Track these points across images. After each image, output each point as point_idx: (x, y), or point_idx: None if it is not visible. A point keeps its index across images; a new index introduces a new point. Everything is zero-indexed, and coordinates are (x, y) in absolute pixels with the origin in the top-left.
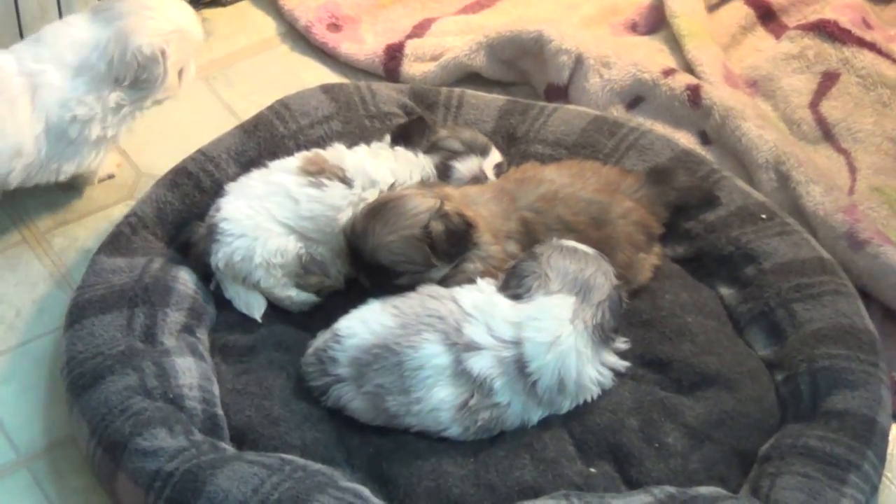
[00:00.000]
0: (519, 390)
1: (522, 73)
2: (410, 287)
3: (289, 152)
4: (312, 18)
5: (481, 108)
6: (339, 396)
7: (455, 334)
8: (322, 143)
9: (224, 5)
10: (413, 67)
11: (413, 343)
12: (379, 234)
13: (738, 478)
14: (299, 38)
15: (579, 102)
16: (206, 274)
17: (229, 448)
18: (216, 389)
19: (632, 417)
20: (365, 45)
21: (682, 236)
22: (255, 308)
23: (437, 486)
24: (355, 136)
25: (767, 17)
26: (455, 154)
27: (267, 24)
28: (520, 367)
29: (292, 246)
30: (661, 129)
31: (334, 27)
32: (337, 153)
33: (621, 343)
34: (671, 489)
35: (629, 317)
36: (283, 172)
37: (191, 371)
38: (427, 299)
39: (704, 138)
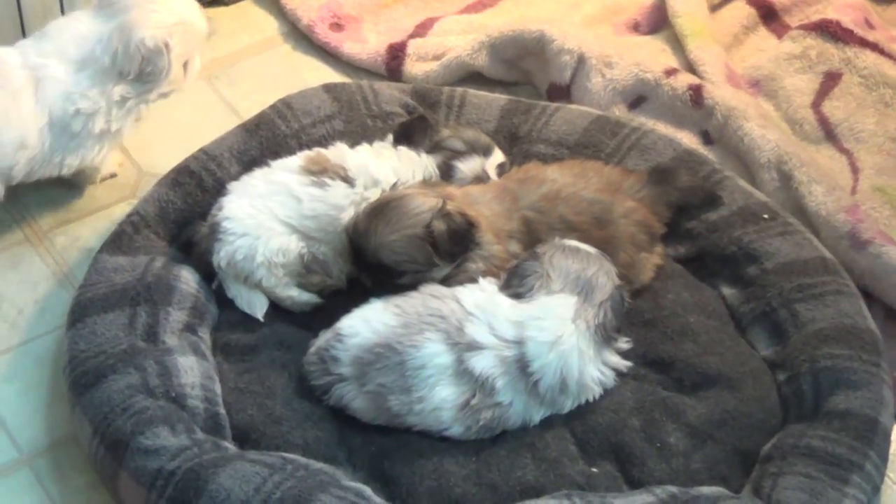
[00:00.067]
0: (521, 390)
1: (525, 73)
2: (412, 286)
3: (291, 151)
4: (315, 18)
5: (483, 108)
6: (341, 395)
7: (457, 334)
8: (324, 142)
9: (226, 4)
10: (415, 67)
11: (415, 342)
12: (381, 233)
13: (739, 478)
14: (301, 37)
15: (581, 102)
16: (208, 273)
17: (231, 447)
18: (218, 388)
19: (634, 417)
20: (367, 44)
21: (685, 236)
22: (257, 307)
23: (439, 486)
24: (357, 135)
25: (770, 17)
26: (458, 154)
27: (269, 24)
28: (522, 367)
29: (294, 245)
30: (663, 128)
31: (336, 26)
32: (339, 152)
33: (623, 343)
34: (673, 489)
35: (631, 316)
36: (285, 172)
37: (193, 370)
38: (429, 299)
39: (706, 138)
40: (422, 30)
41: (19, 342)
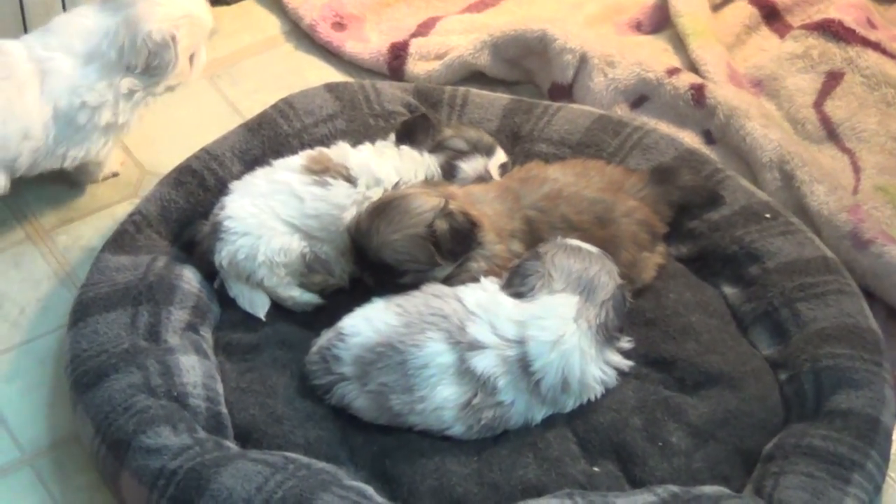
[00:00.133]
0: (522, 389)
1: (527, 72)
2: (414, 286)
3: (293, 151)
4: (317, 17)
5: (485, 107)
6: (343, 395)
7: (459, 333)
8: (326, 141)
9: (228, 4)
10: (417, 66)
11: (417, 342)
12: (383, 232)
13: (741, 477)
14: (304, 36)
15: (583, 101)
16: (210, 272)
17: (233, 446)
18: (220, 387)
19: (635, 416)
20: (369, 43)
21: (686, 235)
22: (259, 307)
23: (441, 485)
24: (359, 134)
25: (772, 17)
26: (460, 154)
27: (271, 23)
28: (523, 366)
29: (296, 245)
30: (665, 128)
31: (339, 26)
32: (341, 152)
33: (625, 342)
34: (675, 488)
35: (633, 316)
36: (287, 171)
37: (195, 369)
38: (431, 298)
39: (708, 137)
40: (424, 29)
41: (21, 341)
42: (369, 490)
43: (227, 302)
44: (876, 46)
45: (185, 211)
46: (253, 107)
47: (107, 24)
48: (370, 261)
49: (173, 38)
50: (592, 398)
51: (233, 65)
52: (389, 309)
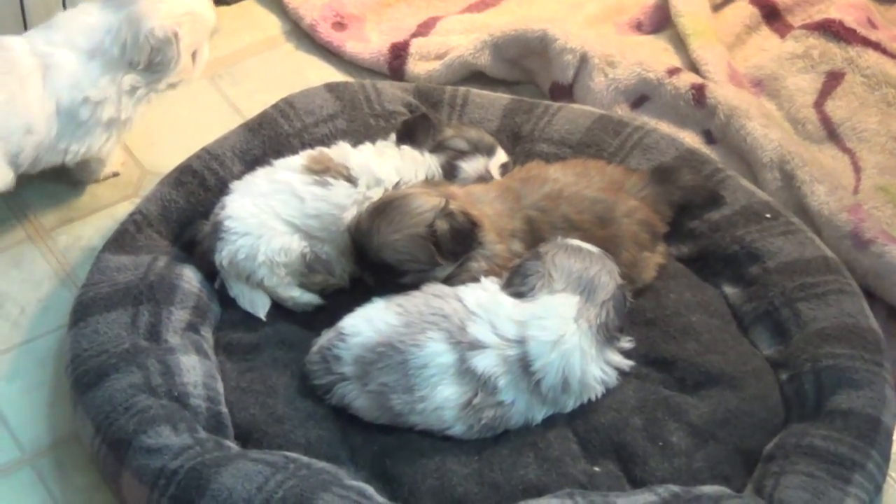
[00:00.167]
0: (523, 389)
1: (527, 72)
2: (415, 286)
3: (293, 151)
4: (317, 17)
5: (486, 107)
6: (344, 395)
7: (459, 333)
8: (327, 141)
9: (228, 4)
10: (418, 66)
11: (417, 341)
12: (384, 232)
13: (742, 477)
14: (304, 36)
15: (584, 101)
16: (210, 272)
17: (233, 446)
18: (220, 387)
19: (636, 416)
20: (370, 43)
21: (687, 235)
22: (260, 307)
23: (441, 485)
24: (360, 134)
25: (772, 17)
26: (461, 154)
27: (272, 23)
28: (524, 366)
29: (296, 245)
30: (665, 128)
31: (339, 26)
32: (342, 152)
33: (625, 342)
34: (675, 488)
35: (633, 316)
36: (288, 171)
37: (195, 369)
38: (431, 298)
39: (709, 137)
40: (424, 29)
41: (21, 341)
42: (370, 490)
43: (227, 302)
44: (876, 46)
45: (186, 211)
46: (253, 106)
47: (109, 20)
48: (371, 261)
49: (175, 35)
50: (593, 398)
51: (233, 64)
52: (390, 309)
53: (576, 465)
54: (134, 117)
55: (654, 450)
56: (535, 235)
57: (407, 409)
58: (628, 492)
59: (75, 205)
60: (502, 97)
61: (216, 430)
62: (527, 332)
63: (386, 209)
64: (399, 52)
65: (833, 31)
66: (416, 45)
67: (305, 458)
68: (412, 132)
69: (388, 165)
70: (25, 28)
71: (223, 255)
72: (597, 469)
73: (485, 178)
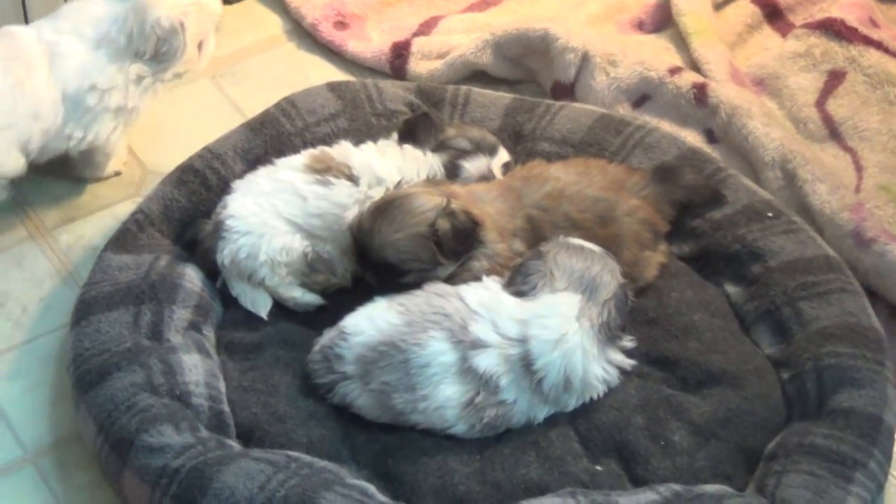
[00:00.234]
0: (525, 388)
1: (529, 71)
2: (417, 285)
3: (295, 150)
4: (319, 16)
5: (488, 106)
6: (346, 394)
7: (461, 332)
8: (328, 140)
9: (230, 3)
10: (419, 65)
11: (419, 340)
12: (386, 232)
13: (743, 476)
14: (306, 35)
15: (586, 100)
16: (212, 271)
17: (235, 445)
18: (222, 386)
19: (638, 415)
20: (371, 42)
21: (689, 234)
22: (261, 306)
23: (443, 484)
24: (362, 133)
25: (774, 16)
26: (463, 153)
27: (273, 22)
28: (526, 365)
29: (298, 244)
30: (667, 127)
31: (341, 25)
32: (343, 151)
33: (627, 341)
34: (677, 487)
35: (635, 315)
36: (289, 170)
37: (197, 368)
38: (433, 297)
39: (711, 136)
40: (426, 28)
41: (23, 340)
42: (371, 489)
43: (229, 301)
44: (878, 45)
45: (188, 210)
46: (255, 106)
47: (116, 10)
48: (372, 260)
49: (182, 25)
50: (595, 397)
51: (235, 64)
52: (392, 308)
53: (577, 464)
54: (140, 107)
55: (656, 449)
56: (536, 234)
57: (409, 408)
58: (630, 491)
59: (77, 204)
60: (504, 96)
61: (218, 429)
62: (528, 331)
63: (387, 208)
64: (401, 52)
65: (835, 30)
66: (418, 45)
67: (307, 457)
68: (414, 131)
69: (390, 164)
70: (26, 21)
71: (225, 255)
72: (598, 468)
73: (487, 177)
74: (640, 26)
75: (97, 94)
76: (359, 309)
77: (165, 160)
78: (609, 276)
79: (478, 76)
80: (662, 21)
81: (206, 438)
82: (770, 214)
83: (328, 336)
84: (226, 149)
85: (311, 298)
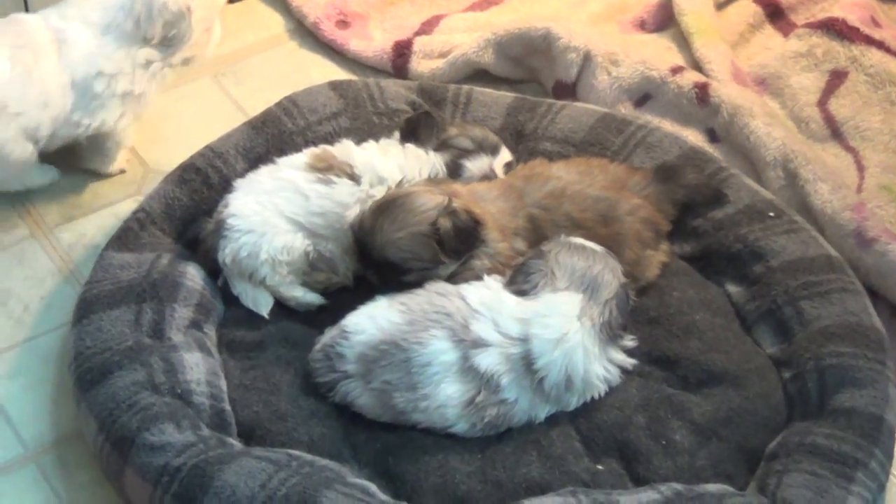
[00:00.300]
0: (526, 387)
1: (531, 71)
2: (418, 284)
3: (297, 149)
4: (321, 15)
5: (489, 105)
6: (347, 392)
7: (462, 331)
8: (330, 139)
9: (232, 1)
10: (421, 64)
11: (420, 339)
12: (387, 230)
13: (745, 475)
14: (307, 34)
15: (587, 100)
16: (214, 270)
17: (237, 443)
18: (224, 385)
19: (639, 414)
20: (373, 41)
21: (690, 234)
22: (262, 305)
23: (444, 483)
24: (363, 132)
25: (776, 15)
26: (466, 153)
27: (275, 21)
28: (527, 364)
29: (299, 243)
30: (669, 126)
31: (343, 24)
32: (345, 150)
33: (628, 340)
34: (678, 486)
35: (636, 314)
36: (291, 168)
37: (198, 366)
38: (434, 296)
39: (712, 136)
40: (428, 27)
41: (25, 338)
42: (372, 487)
43: (230, 299)
44: (880, 45)
45: (189, 208)
46: (257, 105)
47: None
48: (374, 259)
49: (188, 9)
50: (596, 396)
51: (237, 63)
52: (393, 307)
53: (579, 463)
54: (148, 93)
55: (658, 448)
56: (538, 233)
57: (410, 406)
58: (631, 490)
59: (79, 202)
60: (506, 95)
61: (219, 427)
62: (530, 330)
63: (389, 207)
64: (402, 51)
65: (836, 29)
66: (420, 44)
67: (308, 456)
68: (416, 130)
69: (392, 163)
70: (27, 10)
71: (226, 253)
72: (600, 467)
73: (489, 177)
74: (642, 26)
75: (104, 79)
76: (360, 308)
77: (167, 159)
78: (610, 276)
79: (479, 75)
80: (664, 20)
81: (208, 437)
82: (772, 214)
83: (329, 335)
84: (227, 147)
85: (312, 298)
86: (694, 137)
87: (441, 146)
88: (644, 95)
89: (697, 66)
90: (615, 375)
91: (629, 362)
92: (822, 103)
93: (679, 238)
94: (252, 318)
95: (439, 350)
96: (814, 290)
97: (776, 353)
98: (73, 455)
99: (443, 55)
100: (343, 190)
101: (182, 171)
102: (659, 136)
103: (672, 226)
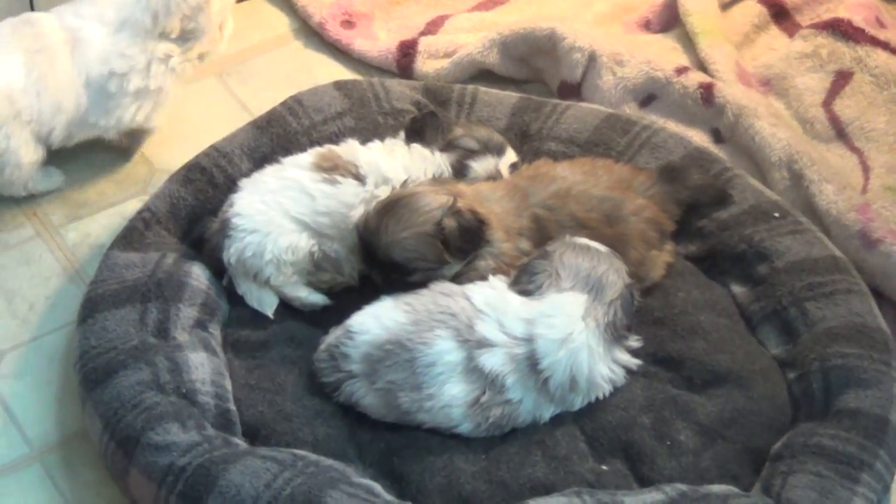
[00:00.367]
0: (531, 387)
1: (536, 71)
2: (423, 284)
3: (302, 148)
4: (326, 15)
5: (494, 106)
6: (352, 392)
7: (467, 331)
8: (335, 139)
9: (238, 1)
10: (426, 64)
11: (425, 340)
12: (392, 231)
13: (749, 476)
14: (313, 34)
15: (592, 100)
16: (218, 269)
17: (241, 443)
18: (229, 384)
19: (644, 415)
20: (378, 41)
21: (695, 234)
22: (267, 305)
23: (449, 483)
24: (368, 132)
25: (781, 16)
26: (471, 153)
27: (280, 21)
28: (532, 364)
29: (304, 243)
30: (673, 127)
31: (348, 24)
32: (350, 149)
33: (633, 341)
34: (683, 487)
35: (641, 314)
36: (296, 168)
37: (203, 366)
38: (439, 296)
39: (717, 136)
40: (433, 27)
41: (30, 338)
42: (377, 487)
43: (235, 299)
44: (885, 46)
45: (194, 208)
46: (262, 104)
47: None
48: (379, 259)
49: (206, 2)
50: (601, 396)
51: (242, 62)
52: (398, 307)
53: (583, 463)
54: (165, 87)
55: (662, 449)
56: (542, 234)
57: (415, 407)
58: (636, 490)
59: (84, 202)
60: (511, 95)
61: (224, 427)
62: (534, 330)
63: (394, 207)
64: (407, 51)
65: (841, 30)
66: (425, 44)
67: (313, 456)
68: (421, 130)
69: (397, 164)
70: (32, 8)
71: (231, 253)
72: (604, 468)
73: (495, 178)
74: (647, 26)
75: (117, 79)
76: (365, 308)
77: (172, 158)
78: (615, 276)
79: (484, 75)
80: (669, 21)
81: (212, 436)
82: (776, 215)
83: (334, 335)
84: (232, 147)
85: (317, 298)
86: (699, 138)
87: (447, 147)
88: (649, 96)
89: (702, 67)
90: (620, 376)
91: (634, 363)
92: (828, 104)
93: (684, 238)
94: (257, 317)
95: (444, 350)
96: (819, 291)
97: (781, 353)
98: (78, 454)
99: (448, 55)
100: (348, 190)
101: (187, 171)
102: (664, 137)
103: (677, 226)
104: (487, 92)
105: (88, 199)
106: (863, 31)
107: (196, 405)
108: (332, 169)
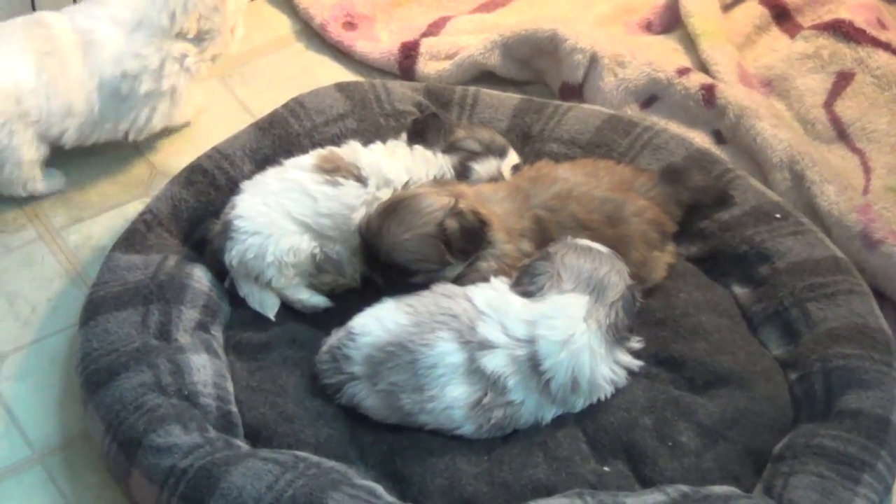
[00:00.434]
0: (532, 388)
1: (537, 72)
2: (425, 285)
3: (304, 150)
4: (328, 17)
5: (496, 107)
6: (353, 394)
7: (469, 332)
8: (337, 141)
9: None
10: (428, 66)
11: (427, 341)
12: (394, 232)
13: (751, 477)
14: (314, 36)
15: (594, 101)
16: (220, 271)
17: (243, 445)
18: (230, 386)
19: (645, 416)
20: (380, 43)
21: (697, 235)
22: (269, 307)
23: (451, 484)
24: (370, 134)
25: (782, 17)
26: (474, 155)
27: (282, 22)
28: (533, 366)
29: (306, 245)
30: (675, 128)
31: (349, 25)
32: (352, 151)
33: (635, 342)
34: (685, 488)
35: (643, 315)
36: (298, 170)
37: (205, 368)
38: (441, 298)
39: (719, 137)
40: (434, 29)
41: (32, 340)
42: (379, 489)
43: (237, 301)
44: (886, 47)
45: (196, 210)
46: (264, 106)
47: None
48: (381, 261)
49: (222, 2)
50: (602, 398)
51: (244, 64)
52: (400, 308)
53: (585, 464)
54: (180, 88)
55: (664, 450)
56: (544, 235)
57: (416, 408)
58: (638, 492)
59: (86, 204)
60: (512, 97)
61: (226, 429)
62: (536, 331)
63: (396, 209)
64: (409, 52)
65: (843, 31)
66: (427, 45)
67: (315, 458)
68: (423, 131)
69: (399, 165)
70: (33, 9)
71: (233, 255)
72: (606, 469)
73: (497, 179)
74: (649, 27)
75: (128, 80)
76: (367, 309)
77: (174, 160)
78: (617, 277)
79: (486, 77)
80: (671, 22)
81: (214, 438)
82: (778, 216)
83: (336, 336)
84: (234, 149)
85: (318, 301)
86: (700, 139)
87: (449, 148)
88: (650, 97)
89: (704, 68)
90: (621, 377)
91: (635, 364)
92: (829, 105)
93: (685, 239)
94: (259, 319)
95: (446, 352)
96: (820, 292)
97: (782, 354)
98: (80, 456)
99: (449, 57)
100: (350, 191)
101: (189, 173)
102: (665, 138)
103: (678, 227)
104: (489, 93)
105: (90, 201)
106: (864, 32)
107: (198, 407)
108: (333, 170)
